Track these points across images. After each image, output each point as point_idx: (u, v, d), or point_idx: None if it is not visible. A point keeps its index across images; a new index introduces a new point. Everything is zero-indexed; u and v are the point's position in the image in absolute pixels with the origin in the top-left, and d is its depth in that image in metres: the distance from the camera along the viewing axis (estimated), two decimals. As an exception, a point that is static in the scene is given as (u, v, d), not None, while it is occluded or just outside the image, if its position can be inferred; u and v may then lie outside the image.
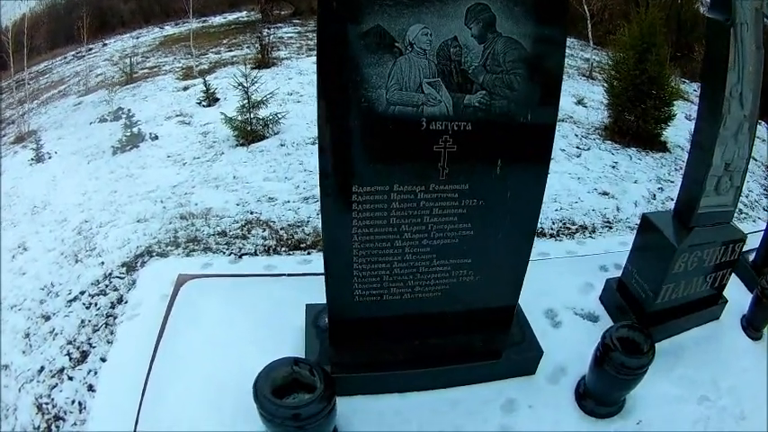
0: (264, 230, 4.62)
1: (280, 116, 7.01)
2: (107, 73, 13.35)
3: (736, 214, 3.32)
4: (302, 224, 4.65)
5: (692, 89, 10.75)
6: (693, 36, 15.12)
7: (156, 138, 7.29)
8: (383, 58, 1.98)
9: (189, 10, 12.72)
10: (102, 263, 4.31)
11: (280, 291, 3.42)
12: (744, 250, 3.30)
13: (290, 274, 3.68)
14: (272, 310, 3.18)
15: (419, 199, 2.30)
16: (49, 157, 7.57)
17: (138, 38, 19.53)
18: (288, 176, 5.61)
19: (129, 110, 7.89)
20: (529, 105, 2.18)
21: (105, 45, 19.81)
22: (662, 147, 7.23)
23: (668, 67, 7.57)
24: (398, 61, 2.00)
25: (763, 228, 3.97)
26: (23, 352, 3.50)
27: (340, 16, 1.89)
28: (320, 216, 2.38)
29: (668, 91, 7.10)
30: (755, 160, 6.88)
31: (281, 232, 4.60)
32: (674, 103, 7.29)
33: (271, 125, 6.96)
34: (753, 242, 3.83)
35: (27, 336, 3.64)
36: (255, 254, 4.28)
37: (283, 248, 4.35)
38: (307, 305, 3.01)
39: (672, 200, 5.31)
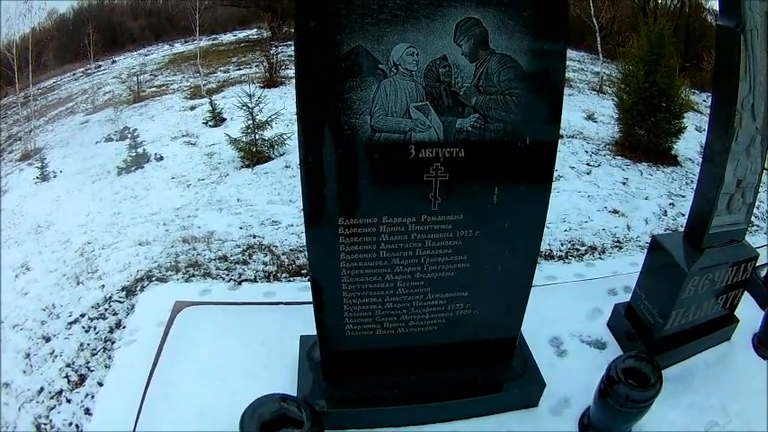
0: (266, 255, 4.57)
1: (285, 137, 6.96)
2: (115, 91, 13.58)
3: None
4: (304, 249, 4.53)
5: (702, 99, 10.67)
6: (702, 45, 15.05)
7: (162, 158, 7.34)
8: (366, 82, 1.86)
9: (195, 28, 12.83)
10: (103, 286, 4.29)
11: (276, 320, 3.34)
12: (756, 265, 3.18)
13: (287, 303, 3.60)
14: (268, 341, 3.12)
15: (410, 231, 2.18)
16: (54, 176, 7.69)
17: (147, 55, 19.89)
18: (292, 199, 5.57)
19: (135, 129, 7.99)
20: (528, 127, 2.03)
21: (115, 62, 20.19)
22: (672, 160, 7.13)
23: (678, 78, 7.49)
24: (383, 84, 1.87)
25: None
26: (24, 372, 3.50)
27: (318, 37, 1.78)
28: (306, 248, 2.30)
29: (678, 102, 7.02)
30: (766, 170, 6.83)
31: (283, 257, 4.53)
32: (685, 115, 7.20)
33: (276, 146, 6.94)
34: (765, 256, 3.75)
35: (28, 356, 3.64)
36: (255, 280, 4.21)
37: (284, 274, 4.28)
38: (301, 336, 2.91)
39: (683, 215, 5.21)
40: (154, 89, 13.12)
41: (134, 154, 7.17)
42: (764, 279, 3.73)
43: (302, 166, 2.00)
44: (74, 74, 19.22)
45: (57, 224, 5.87)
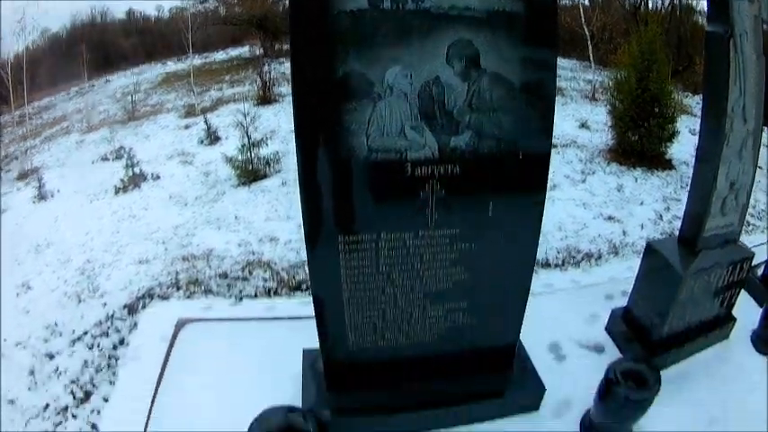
0: (266, 272, 4.60)
1: (281, 155, 7.03)
2: (109, 110, 13.75)
3: (744, 227, 3.20)
4: (303, 264, 4.55)
5: (696, 102, 10.62)
6: (694, 47, 15.05)
7: (158, 178, 7.41)
8: (362, 104, 1.89)
9: (188, 46, 12.92)
10: (105, 304, 4.33)
11: (279, 334, 3.38)
12: (752, 264, 3.21)
13: (289, 317, 3.63)
14: (271, 355, 3.15)
15: (408, 246, 2.21)
16: (52, 196, 7.77)
17: (140, 74, 19.98)
18: (290, 215, 5.59)
19: (130, 149, 8.03)
20: (521, 141, 2.06)
21: (108, 81, 20.31)
22: (667, 165, 7.15)
23: (670, 83, 7.51)
24: (378, 106, 1.90)
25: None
26: (29, 389, 3.51)
27: (314, 62, 1.82)
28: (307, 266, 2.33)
29: (671, 107, 7.04)
30: (761, 168, 6.74)
31: (282, 273, 4.57)
32: (678, 118, 7.23)
33: (272, 164, 7.00)
34: (761, 255, 3.77)
35: (32, 373, 3.65)
36: (256, 296, 4.24)
37: (284, 290, 4.31)
38: (304, 350, 2.94)
39: (678, 218, 5.24)
40: (148, 108, 13.26)
41: (131, 174, 7.21)
42: (762, 277, 3.76)
43: (301, 188, 2.04)
44: (68, 93, 19.37)
45: (56, 243, 5.92)
